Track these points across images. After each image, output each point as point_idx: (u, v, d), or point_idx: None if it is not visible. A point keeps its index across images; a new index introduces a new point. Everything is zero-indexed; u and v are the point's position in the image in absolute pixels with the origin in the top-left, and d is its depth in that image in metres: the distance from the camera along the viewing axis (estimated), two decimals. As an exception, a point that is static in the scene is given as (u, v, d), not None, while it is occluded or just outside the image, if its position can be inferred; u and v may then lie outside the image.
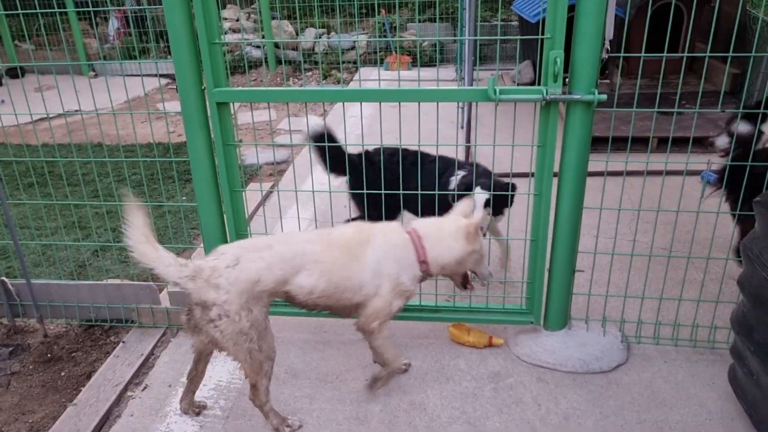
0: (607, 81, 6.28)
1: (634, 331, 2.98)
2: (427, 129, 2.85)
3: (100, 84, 3.09)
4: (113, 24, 10.23)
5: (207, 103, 2.71)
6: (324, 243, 2.33)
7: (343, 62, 9.73)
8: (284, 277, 2.23)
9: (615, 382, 2.75)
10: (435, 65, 9.55)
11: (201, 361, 2.51)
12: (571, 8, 2.35)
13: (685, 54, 2.48)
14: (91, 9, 2.90)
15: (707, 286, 3.10)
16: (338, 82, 8.78)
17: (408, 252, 2.43)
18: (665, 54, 2.47)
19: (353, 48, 9.92)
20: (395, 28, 10.17)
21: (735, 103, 6.15)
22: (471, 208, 2.62)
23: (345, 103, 2.83)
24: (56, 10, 2.82)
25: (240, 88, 2.75)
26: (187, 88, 2.66)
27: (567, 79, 2.51)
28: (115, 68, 8.45)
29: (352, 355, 2.96)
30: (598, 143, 2.78)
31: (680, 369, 2.81)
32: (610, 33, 2.52)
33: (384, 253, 2.38)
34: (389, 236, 2.43)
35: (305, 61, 9.77)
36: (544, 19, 2.48)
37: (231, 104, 2.77)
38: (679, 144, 4.97)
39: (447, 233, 2.47)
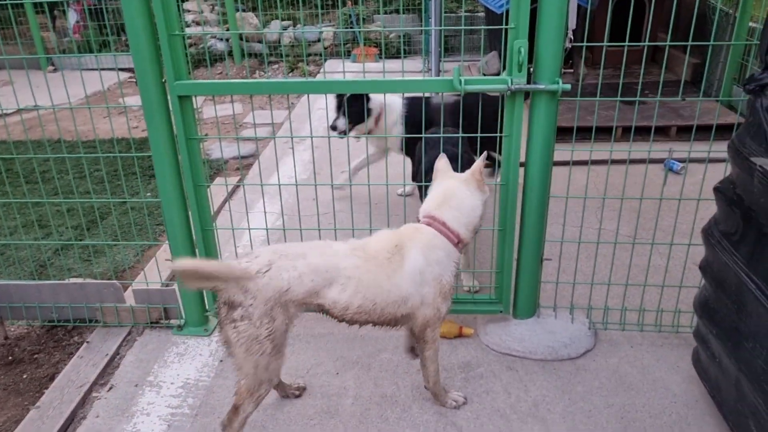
0: (572, 71, 6.34)
1: (601, 317, 3.02)
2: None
3: (59, 79, 3.00)
4: (72, 17, 9.97)
5: (168, 96, 2.65)
6: (360, 257, 2.18)
7: (309, 55, 9.65)
8: (315, 288, 2.12)
9: (583, 368, 2.78)
10: (401, 57, 9.52)
11: None
12: (534, -1, 2.36)
13: (647, 43, 2.51)
14: (47, 0, 2.80)
15: (671, 272, 3.16)
16: (304, 75, 8.71)
17: (445, 246, 2.28)
18: (627, 44, 2.50)
19: (319, 40, 9.83)
20: (361, 19, 10.12)
21: (695, 92, 6.28)
22: (447, 163, 2.49)
23: (311, 96, 2.79)
24: (11, 1, 2.71)
25: (202, 80, 2.70)
26: (147, 82, 2.59)
27: (532, 69, 2.52)
28: (74, 62, 8.24)
29: (323, 349, 2.95)
30: (563, 133, 2.80)
31: (646, 353, 2.86)
32: (572, 23, 2.54)
33: (425, 258, 2.23)
34: (423, 239, 2.27)
35: (270, 54, 9.66)
36: (509, 10, 2.48)
37: (193, 97, 2.71)
38: (642, 133, 5.09)
39: (462, 197, 2.34)
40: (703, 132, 3.45)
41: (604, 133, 4.86)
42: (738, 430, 2.22)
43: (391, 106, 4.00)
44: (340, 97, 3.92)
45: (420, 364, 2.53)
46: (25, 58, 2.84)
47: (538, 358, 2.85)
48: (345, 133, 3.93)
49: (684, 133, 5.43)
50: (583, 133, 4.34)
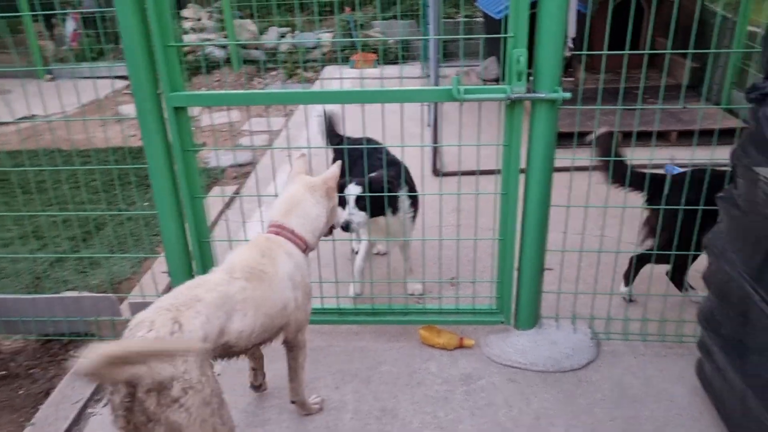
0: (571, 78, 6.32)
1: (603, 327, 2.98)
2: (394, 127, 2.82)
3: (56, 88, 2.97)
4: (69, 25, 9.95)
5: (164, 107, 2.62)
6: (241, 278, 2.09)
7: (307, 61, 9.64)
8: (221, 326, 1.96)
9: (585, 379, 2.75)
10: (400, 62, 9.50)
11: None
12: (533, 5, 2.33)
13: (648, 51, 2.48)
14: (47, 13, 2.79)
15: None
16: (302, 82, 8.68)
17: (296, 253, 2.30)
18: (627, 51, 2.47)
19: (317, 47, 9.81)
20: (360, 25, 10.10)
21: (695, 97, 6.25)
22: (306, 163, 2.51)
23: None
24: (9, 15, 2.68)
25: (198, 91, 2.67)
26: (142, 94, 2.56)
27: (531, 77, 2.49)
28: (73, 71, 8.21)
29: (322, 362, 2.91)
30: (563, 139, 2.76)
31: (649, 364, 2.82)
32: (572, 30, 2.51)
33: (290, 264, 2.24)
34: (283, 246, 2.27)
35: (268, 61, 9.64)
36: (508, 15, 2.45)
37: (189, 108, 2.68)
38: (642, 138, 5.04)
39: (307, 206, 2.36)
40: (704, 137, 3.41)
41: (604, 138, 4.83)
42: (744, 444, 2.18)
43: None
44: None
45: (290, 376, 2.48)
46: (25, 69, 2.81)
47: (540, 370, 2.81)
48: None
49: (684, 138, 5.39)
50: (582, 139, 4.31)
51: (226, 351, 2.04)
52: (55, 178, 5.23)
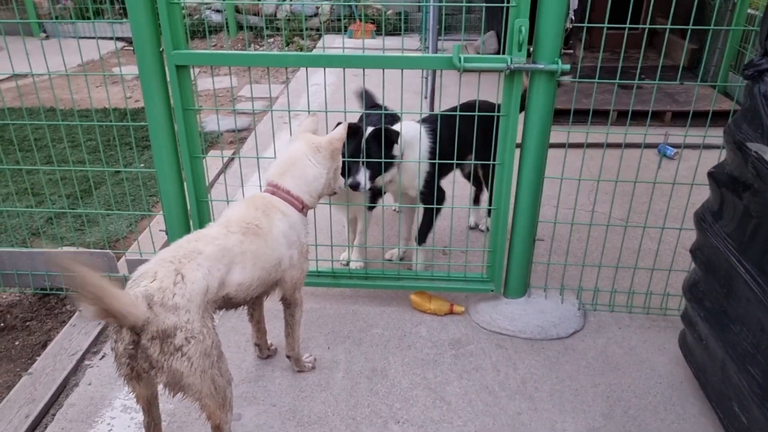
0: (571, 51, 6.32)
1: (590, 298, 3.05)
2: (391, 98, 2.84)
3: (52, 46, 2.96)
4: (65, -17, 9.80)
5: (166, 66, 2.63)
6: (237, 232, 2.12)
7: (306, 29, 9.57)
8: (221, 278, 2.00)
9: (571, 347, 2.82)
10: (399, 34, 9.44)
11: (153, 407, 2.15)
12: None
13: (648, 26, 2.50)
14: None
15: (661, 255, 3.20)
16: (301, 50, 8.63)
17: (292, 213, 2.32)
18: (628, 25, 2.49)
19: (316, 15, 9.73)
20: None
21: (692, 78, 6.28)
22: (315, 123, 2.52)
23: (308, 71, 2.78)
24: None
25: (200, 50, 2.67)
26: (144, 50, 2.57)
27: (530, 50, 2.52)
28: (68, 30, 8.12)
29: (314, 323, 2.97)
30: (559, 115, 2.80)
31: (633, 335, 2.90)
32: (574, 2, 2.52)
33: (284, 223, 2.27)
34: (277, 206, 2.30)
35: (267, 27, 9.56)
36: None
37: (191, 68, 2.69)
38: (637, 117, 5.09)
39: (305, 166, 2.37)
40: (698, 118, 3.47)
41: (598, 116, 4.87)
42: (721, 411, 2.27)
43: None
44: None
45: (286, 331, 2.55)
46: (20, 22, 2.80)
47: (528, 337, 2.88)
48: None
49: (678, 118, 5.44)
50: (578, 116, 4.36)
51: (226, 303, 2.10)
52: (53, 135, 5.24)
